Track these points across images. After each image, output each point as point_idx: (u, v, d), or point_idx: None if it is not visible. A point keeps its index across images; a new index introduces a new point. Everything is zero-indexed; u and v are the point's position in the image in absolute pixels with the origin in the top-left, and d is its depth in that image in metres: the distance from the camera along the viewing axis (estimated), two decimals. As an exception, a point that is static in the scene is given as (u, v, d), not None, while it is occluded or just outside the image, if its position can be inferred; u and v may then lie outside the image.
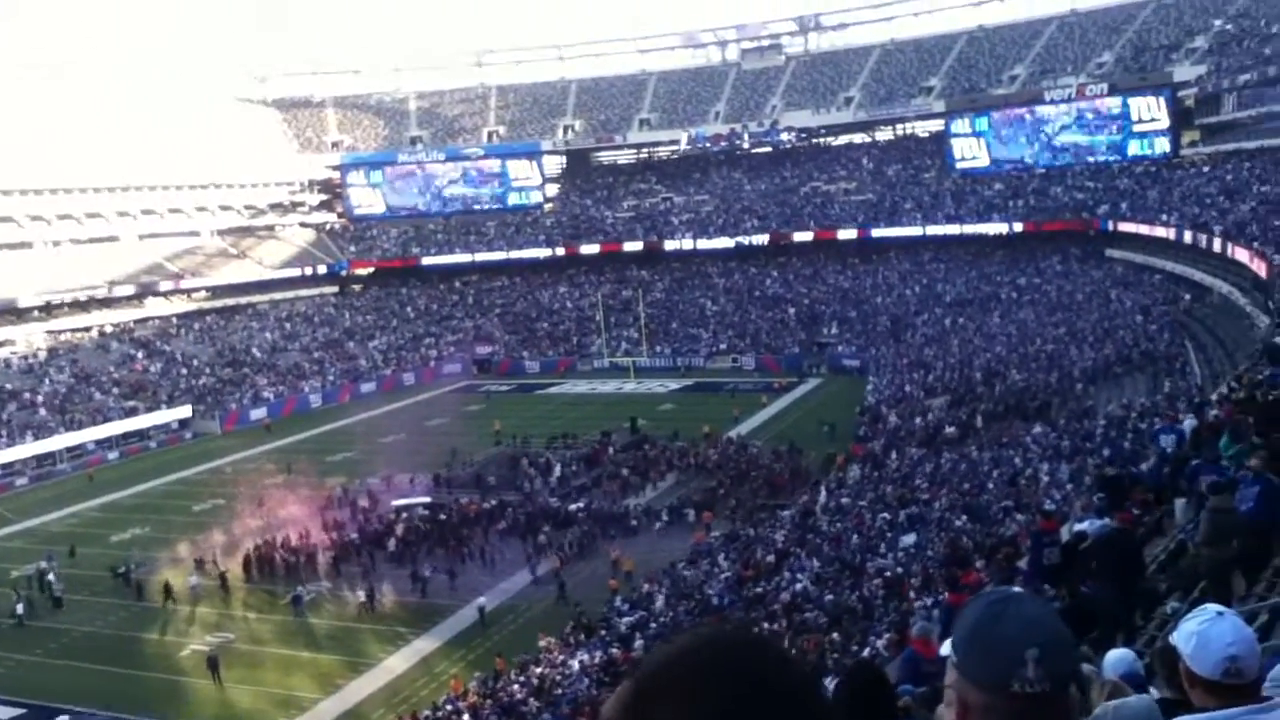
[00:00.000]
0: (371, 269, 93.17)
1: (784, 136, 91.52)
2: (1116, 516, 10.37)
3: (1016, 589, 2.01)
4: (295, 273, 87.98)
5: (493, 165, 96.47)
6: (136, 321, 76.08)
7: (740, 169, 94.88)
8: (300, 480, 48.56)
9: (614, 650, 26.98)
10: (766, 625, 25.35)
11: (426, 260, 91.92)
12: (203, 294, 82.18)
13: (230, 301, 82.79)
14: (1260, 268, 42.27)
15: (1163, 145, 75.02)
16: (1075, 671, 3.40)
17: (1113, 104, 76.84)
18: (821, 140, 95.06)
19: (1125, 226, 68.09)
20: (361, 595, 33.96)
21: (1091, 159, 78.69)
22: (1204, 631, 2.67)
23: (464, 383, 75.31)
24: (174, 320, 78.19)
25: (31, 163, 73.72)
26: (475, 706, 25.39)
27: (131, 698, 28.61)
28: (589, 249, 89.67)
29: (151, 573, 37.52)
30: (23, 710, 28.11)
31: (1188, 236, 56.84)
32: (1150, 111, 75.06)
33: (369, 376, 75.41)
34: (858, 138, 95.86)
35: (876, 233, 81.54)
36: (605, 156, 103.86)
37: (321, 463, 53.10)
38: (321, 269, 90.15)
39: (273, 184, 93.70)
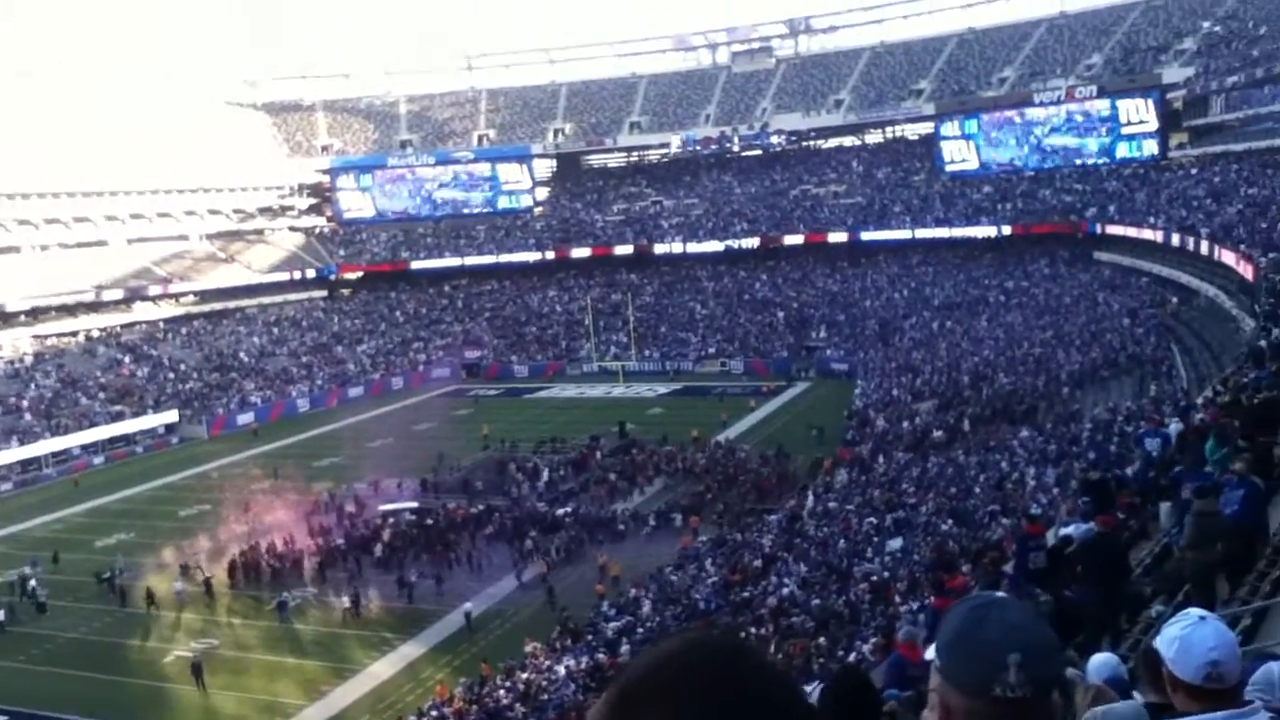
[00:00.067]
0: (360, 273, 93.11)
1: (774, 139, 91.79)
2: (1101, 520, 10.35)
3: (1000, 594, 1.98)
4: (284, 277, 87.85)
5: (483, 169, 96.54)
6: (124, 326, 75.89)
7: (730, 172, 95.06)
8: (287, 485, 48.45)
9: (600, 655, 26.93)
10: (753, 630, 25.34)
11: (416, 264, 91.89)
12: (191, 298, 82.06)
13: (218, 306, 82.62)
14: (1247, 270, 42.46)
15: (1151, 147, 75.42)
16: (1059, 676, 3.37)
17: (1101, 106, 77.23)
18: (811, 143, 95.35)
19: (1113, 229, 68.40)
20: (346, 601, 33.84)
21: (1080, 161, 79.05)
22: (1186, 636, 2.66)
23: (452, 387, 75.30)
24: (161, 324, 78.01)
25: (19, 167, 73.48)
26: (461, 712, 25.32)
27: (115, 704, 28.45)
28: (579, 252, 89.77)
29: (136, 578, 37.32)
30: (5, 717, 27.93)
31: (1175, 239, 57.12)
32: (1139, 114, 75.46)
33: (357, 381, 75.30)
34: (847, 141, 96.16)
35: (866, 236, 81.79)
36: (595, 160, 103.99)
37: (308, 468, 53.00)
38: (310, 273, 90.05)
39: (262, 188, 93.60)
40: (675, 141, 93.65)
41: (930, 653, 2.10)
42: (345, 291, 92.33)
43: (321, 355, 78.46)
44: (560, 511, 41.91)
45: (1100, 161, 77.98)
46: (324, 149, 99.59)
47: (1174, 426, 16.85)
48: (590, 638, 29.23)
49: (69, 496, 51.82)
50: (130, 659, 31.77)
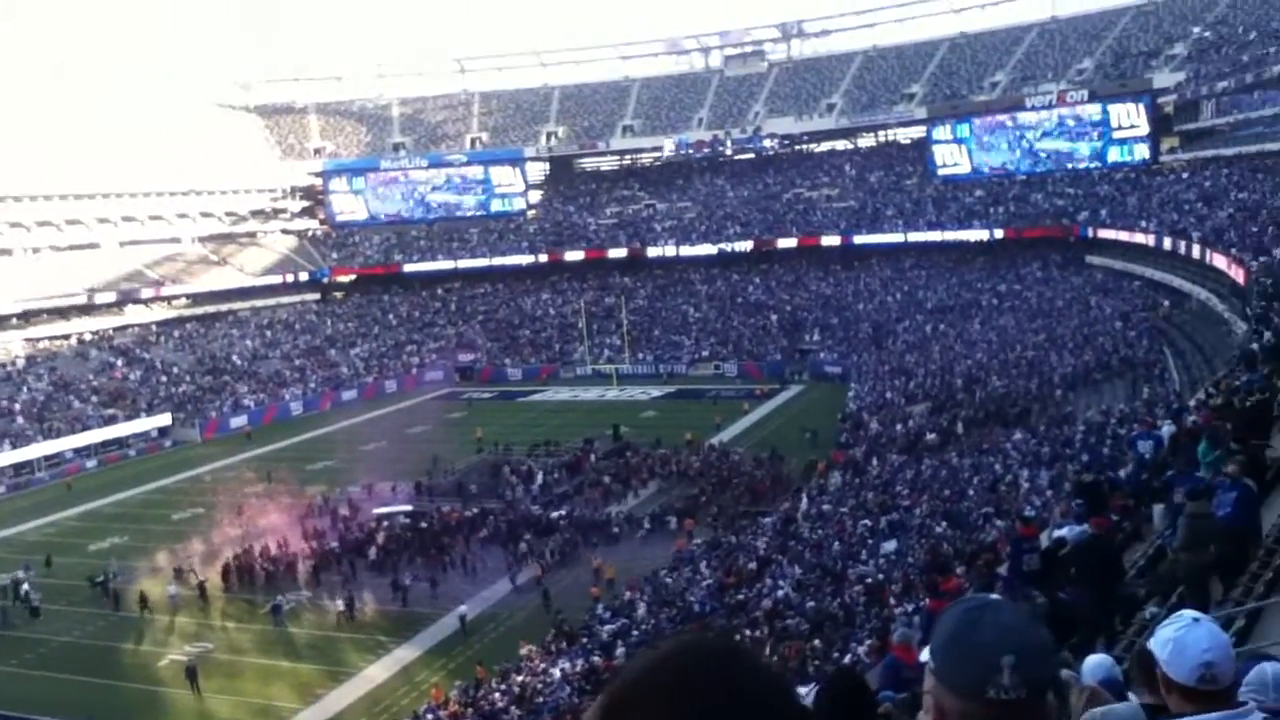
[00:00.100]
0: (354, 276, 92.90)
1: (767, 143, 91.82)
2: (1095, 522, 10.39)
3: (994, 596, 2.00)
4: (277, 280, 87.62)
5: (476, 172, 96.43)
6: (116, 329, 75.61)
7: (723, 175, 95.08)
8: (281, 489, 48.31)
9: (595, 658, 26.93)
10: (748, 632, 25.36)
11: (409, 267, 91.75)
12: (183, 301, 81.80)
13: (211, 309, 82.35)
14: (1238, 274, 42.58)
15: (1142, 152, 75.56)
16: (1053, 678, 3.40)
17: (1093, 110, 77.36)
18: (804, 147, 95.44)
19: (1105, 233, 68.57)
20: (340, 604, 33.78)
21: (1072, 165, 79.17)
22: (1180, 638, 2.69)
23: (446, 390, 75.17)
24: (154, 327, 77.73)
25: (10, 169, 73.23)
26: (456, 715, 25.32)
27: (110, 708, 28.34)
28: (572, 256, 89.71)
29: (130, 582, 37.22)
30: (-1, 722, 27.89)
31: (1167, 243, 57.26)
32: (1130, 118, 75.59)
33: (350, 384, 75.16)
34: (840, 144, 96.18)
35: (858, 239, 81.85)
36: (588, 163, 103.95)
37: (302, 471, 52.84)
38: (303, 276, 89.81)
39: (254, 191, 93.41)
40: (668, 145, 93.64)
41: (925, 655, 2.12)
42: (338, 294, 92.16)
43: (314, 358, 78.30)
44: (555, 514, 41.88)
45: (1092, 165, 78.12)
46: (316, 151, 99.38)
47: (1166, 429, 16.90)
48: (585, 640, 29.23)
49: (62, 500, 51.65)
50: (124, 663, 31.68)
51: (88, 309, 74.57)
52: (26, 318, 71.21)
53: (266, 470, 52.76)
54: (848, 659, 19.52)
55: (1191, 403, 23.10)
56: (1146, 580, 10.09)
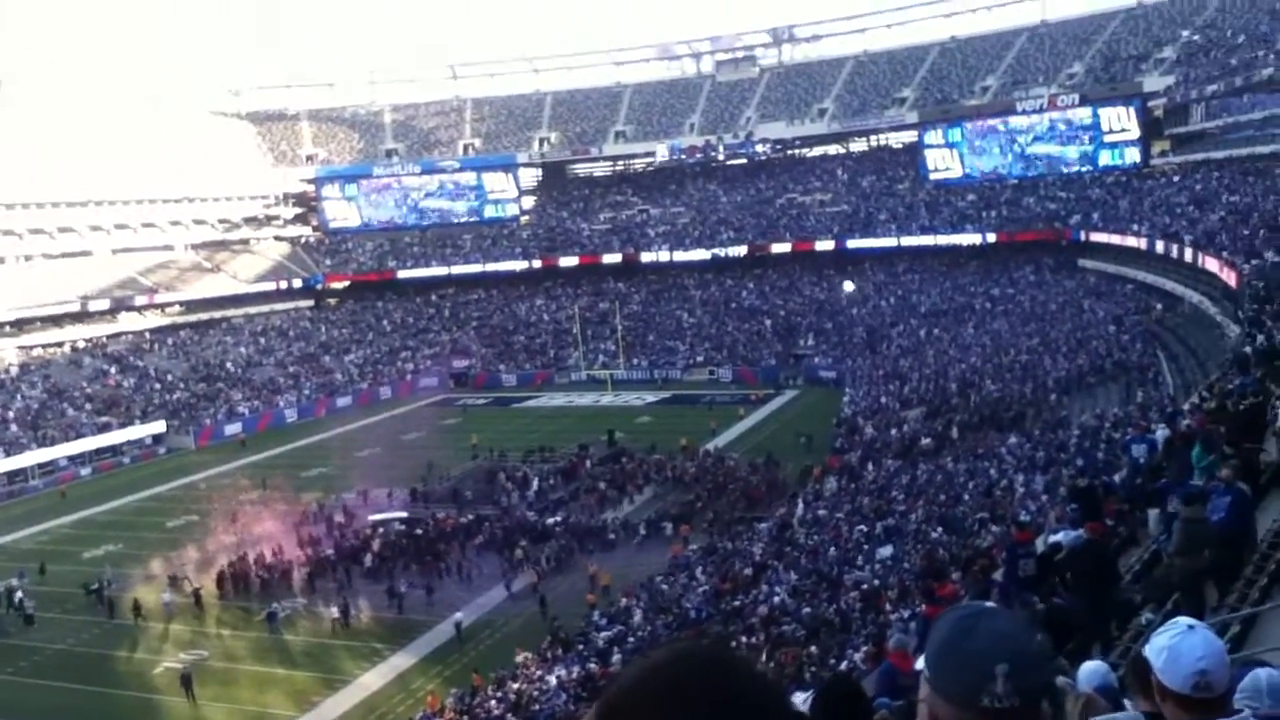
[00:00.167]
0: (347, 282, 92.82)
1: (759, 148, 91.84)
2: (1090, 527, 10.41)
3: (989, 604, 2.01)
4: (270, 286, 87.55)
5: (468, 178, 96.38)
6: (110, 336, 75.49)
7: (715, 181, 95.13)
8: (275, 496, 48.25)
9: (592, 665, 26.88)
10: (744, 639, 25.32)
11: (402, 273, 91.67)
12: (177, 308, 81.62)
13: (204, 316, 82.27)
14: (1230, 277, 42.68)
15: (1133, 155, 75.69)
16: (1047, 686, 3.41)
17: (1084, 114, 77.52)
18: (796, 152, 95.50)
19: (1097, 236, 68.74)
20: (335, 611, 33.71)
21: (1064, 169, 79.33)
22: (1175, 646, 2.70)
23: (440, 396, 75.13)
24: (147, 335, 77.61)
25: (3, 177, 73.13)
26: (452, 722, 25.25)
27: (104, 716, 28.36)
28: (566, 261, 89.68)
29: (124, 590, 37.14)
30: (-7, 731, 27.82)
31: (1159, 246, 57.37)
32: (1120, 122, 75.75)
33: (345, 391, 75.06)
34: (832, 149, 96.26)
35: (851, 244, 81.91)
36: (581, 169, 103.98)
37: (297, 478, 52.75)
38: (297, 283, 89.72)
39: (247, 197, 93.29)
40: (660, 150, 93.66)
41: (920, 663, 2.13)
42: (332, 301, 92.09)
43: (309, 365, 78.20)
44: (550, 520, 41.82)
45: (1083, 169, 78.27)
46: (309, 158, 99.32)
47: (1161, 433, 16.91)
48: (581, 647, 29.18)
49: (56, 508, 51.51)
50: (119, 670, 31.57)
51: (81, 316, 74.43)
52: (20, 325, 71.07)
53: (261, 477, 52.69)
54: (844, 665, 19.51)
55: (1185, 406, 23.13)
56: (1142, 585, 10.10)
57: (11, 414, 61.25)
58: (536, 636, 30.90)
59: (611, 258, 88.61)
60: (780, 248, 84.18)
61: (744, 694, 1.33)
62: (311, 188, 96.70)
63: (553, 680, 26.53)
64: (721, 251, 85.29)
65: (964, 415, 47.36)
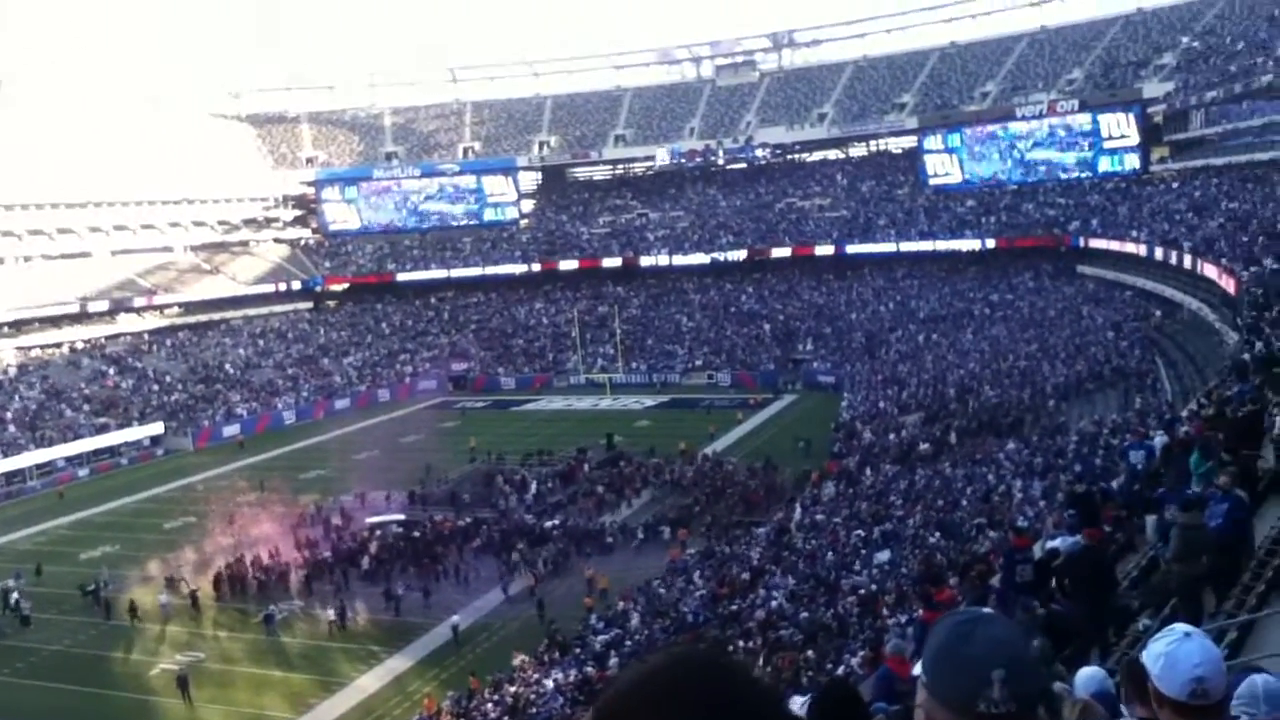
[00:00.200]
0: (346, 285, 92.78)
1: (759, 153, 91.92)
2: (1088, 533, 10.40)
3: (986, 610, 2.01)
4: (269, 288, 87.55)
5: (468, 181, 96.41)
6: (108, 338, 75.46)
7: (715, 185, 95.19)
8: (273, 497, 48.24)
9: (589, 669, 26.85)
10: (741, 643, 25.30)
11: (402, 276, 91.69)
12: (176, 310, 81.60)
13: (203, 317, 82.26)
14: (1229, 284, 42.68)
15: (1133, 162, 75.77)
16: (1044, 692, 3.41)
17: (1083, 120, 77.60)
18: (796, 156, 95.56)
19: (1096, 243, 68.75)
20: (332, 614, 33.68)
21: (1063, 175, 79.40)
22: (1171, 652, 2.70)
23: (439, 399, 75.13)
24: (146, 336, 77.60)
25: (2, 177, 73.14)
26: (449, 725, 25.21)
27: (100, 717, 28.35)
28: (565, 265, 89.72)
29: (122, 591, 37.12)
30: (-11, 731, 27.79)
31: (1158, 253, 57.39)
32: (1120, 128, 75.83)
33: (343, 393, 75.06)
34: (832, 154, 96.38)
35: (851, 249, 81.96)
36: (581, 172, 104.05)
37: (295, 480, 52.75)
38: (296, 285, 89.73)
39: (247, 199, 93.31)
40: (660, 154, 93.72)
41: (918, 668, 2.13)
42: (331, 303, 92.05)
43: (307, 367, 78.19)
44: (548, 524, 41.80)
45: (1083, 175, 78.35)
46: (309, 161, 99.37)
47: (1159, 439, 16.90)
48: (578, 651, 29.13)
49: (53, 508, 51.50)
50: (115, 672, 31.58)
51: (80, 317, 74.42)
52: (18, 326, 71.06)
53: (259, 479, 52.68)
54: (841, 670, 19.47)
55: (1184, 413, 23.12)
56: (1140, 591, 10.10)
57: (9, 415, 61.23)
58: (533, 640, 30.86)
59: (611, 261, 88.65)
60: (780, 252, 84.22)
61: (741, 699, 1.32)
62: (311, 190, 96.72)
63: (549, 684, 26.48)
64: (721, 256, 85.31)
65: (962, 421, 47.34)
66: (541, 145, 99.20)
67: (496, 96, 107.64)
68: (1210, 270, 47.03)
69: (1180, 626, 2.89)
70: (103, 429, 62.15)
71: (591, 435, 55.27)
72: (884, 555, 29.54)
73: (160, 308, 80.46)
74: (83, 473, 58.91)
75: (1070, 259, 72.64)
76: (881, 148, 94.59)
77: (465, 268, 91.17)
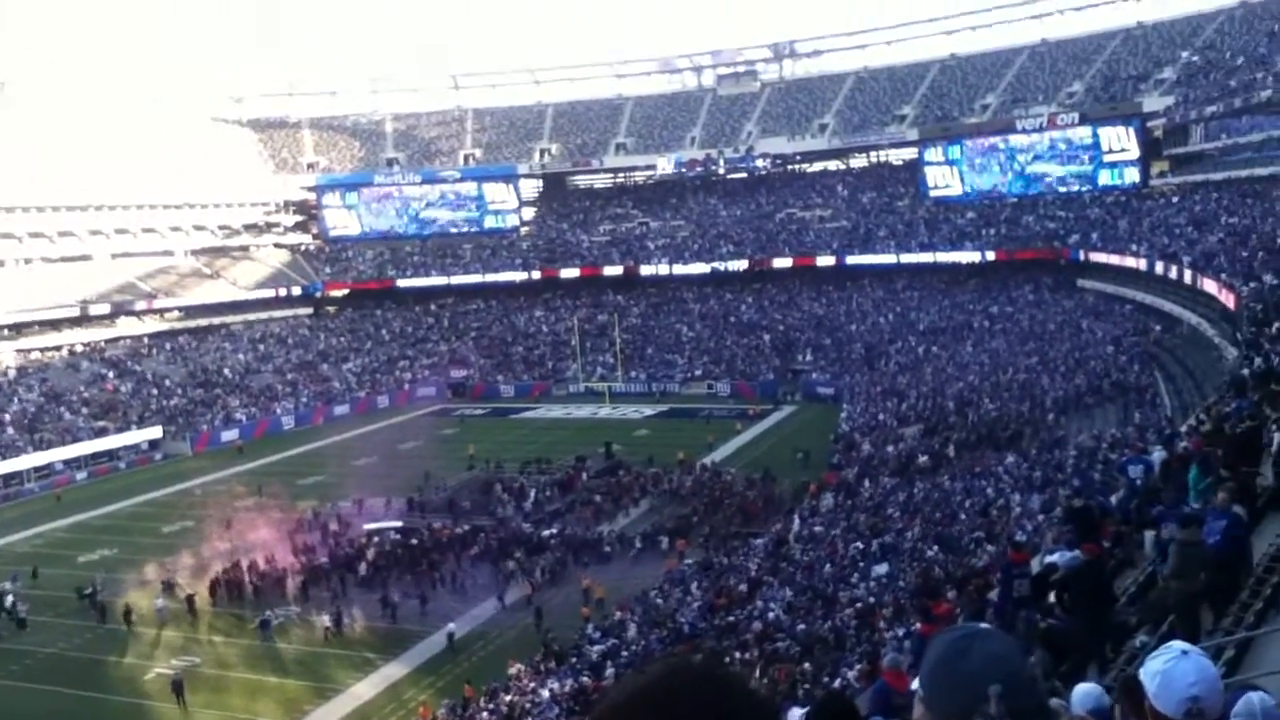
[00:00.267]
0: (346, 290, 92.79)
1: (759, 163, 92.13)
2: (1086, 548, 10.39)
3: (984, 625, 2.02)
4: (269, 293, 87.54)
5: (469, 188, 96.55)
6: (108, 341, 75.44)
7: (716, 194, 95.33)
8: (271, 503, 48.16)
9: (585, 678, 26.79)
10: (738, 654, 25.25)
11: (402, 282, 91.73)
12: (175, 314, 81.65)
13: (203, 322, 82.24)
14: (1228, 299, 42.68)
15: (1132, 175, 75.86)
16: (1040, 707, 3.41)
17: (1083, 134, 77.72)
18: (797, 167, 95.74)
19: (1096, 256, 68.80)
20: (328, 620, 33.63)
21: (1063, 188, 79.48)
22: (1168, 670, 2.70)
23: (438, 406, 75.05)
24: (146, 340, 77.57)
25: (3, 180, 73.19)
26: (444, 734, 25.16)
27: (95, 722, 28.25)
28: (566, 273, 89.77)
29: (118, 595, 37.06)
30: (-17, 735, 27.72)
31: (1158, 267, 57.41)
32: (1120, 141, 75.93)
33: (342, 399, 75.02)
34: (832, 165, 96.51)
35: (851, 260, 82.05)
36: (581, 180, 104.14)
37: (293, 485, 52.72)
38: (296, 290, 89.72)
39: (247, 204, 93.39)
40: (661, 163, 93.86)
41: (915, 682, 2.14)
42: (331, 309, 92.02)
43: (307, 373, 78.15)
44: (546, 532, 41.74)
45: (1083, 189, 78.44)
46: (310, 166, 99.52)
47: (1158, 454, 16.87)
48: (574, 660, 29.08)
49: (51, 511, 51.41)
50: (111, 676, 31.49)
51: (80, 321, 74.42)
52: (18, 329, 71.05)
53: (257, 484, 52.65)
54: (838, 683, 19.44)
55: (1183, 428, 23.11)
56: (1138, 607, 10.09)
57: (8, 417, 61.18)
58: (530, 648, 30.82)
59: (611, 270, 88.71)
60: (781, 263, 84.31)
61: (737, 710, 1.33)
62: (312, 196, 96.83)
63: (545, 693, 26.43)
64: (721, 265, 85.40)
65: (961, 433, 47.29)
66: (542, 153, 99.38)
67: (498, 104, 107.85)
68: (1210, 285, 47.05)
69: (1177, 644, 2.89)
70: (101, 432, 62.11)
71: (590, 444, 55.25)
72: (882, 568, 29.50)
73: (160, 311, 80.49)
74: (81, 476, 58.83)
75: (1070, 272, 72.66)
76: (882, 159, 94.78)
77: (465, 275, 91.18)
